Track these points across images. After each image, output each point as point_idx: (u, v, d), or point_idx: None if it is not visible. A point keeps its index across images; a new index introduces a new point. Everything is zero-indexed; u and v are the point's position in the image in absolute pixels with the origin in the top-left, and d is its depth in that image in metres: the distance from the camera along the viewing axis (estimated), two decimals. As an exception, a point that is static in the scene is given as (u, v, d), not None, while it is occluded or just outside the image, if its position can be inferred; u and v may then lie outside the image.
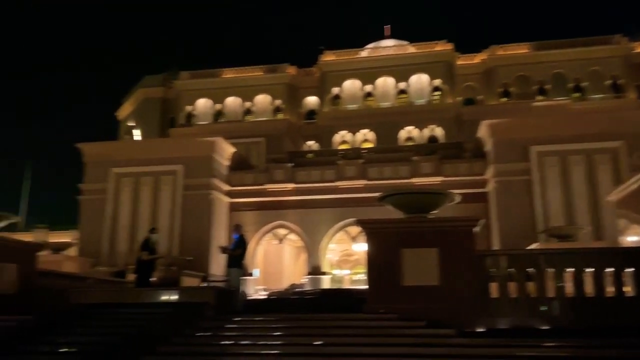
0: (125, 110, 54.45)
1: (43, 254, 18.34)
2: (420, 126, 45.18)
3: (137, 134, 50.94)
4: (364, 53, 48.75)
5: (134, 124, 52.09)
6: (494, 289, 11.54)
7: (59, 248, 23.64)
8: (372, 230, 12.09)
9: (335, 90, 47.38)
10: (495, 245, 27.17)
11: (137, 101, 52.25)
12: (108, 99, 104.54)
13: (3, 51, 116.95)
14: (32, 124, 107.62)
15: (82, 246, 30.05)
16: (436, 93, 46.46)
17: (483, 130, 29.61)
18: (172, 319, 10.94)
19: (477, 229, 11.81)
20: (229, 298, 13.33)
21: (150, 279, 15.12)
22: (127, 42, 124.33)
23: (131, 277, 21.89)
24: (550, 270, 11.27)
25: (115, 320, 11.10)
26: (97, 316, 11.41)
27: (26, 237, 35.45)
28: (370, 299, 11.81)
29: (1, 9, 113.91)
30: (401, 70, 46.47)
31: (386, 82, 46.95)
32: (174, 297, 12.72)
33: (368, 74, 46.89)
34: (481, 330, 10.86)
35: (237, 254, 15.35)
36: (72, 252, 28.06)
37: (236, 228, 16.15)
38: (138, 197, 31.14)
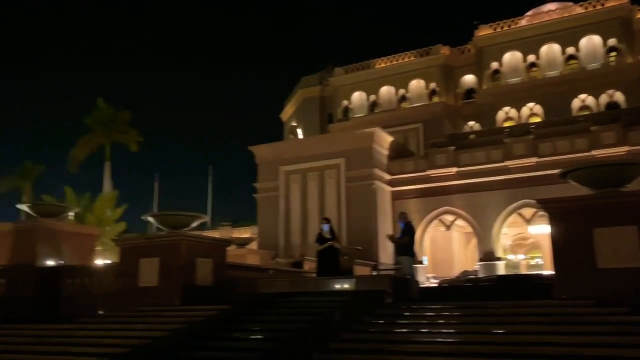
0: (287, 111, 57.62)
1: (230, 249, 20.09)
2: (595, 93, 40.77)
3: (299, 133, 53.59)
4: (523, 22, 45.30)
5: (296, 124, 54.86)
6: None
7: (242, 243, 25.73)
8: (557, 210, 11.10)
9: (494, 65, 44.76)
10: None
11: (298, 102, 54.89)
12: (273, 102, 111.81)
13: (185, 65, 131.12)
14: (210, 131, 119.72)
15: (261, 240, 32.49)
16: (612, 54, 41.43)
17: (677, 89, 25.70)
18: (352, 306, 11.22)
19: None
20: (404, 286, 13.30)
21: (336, 268, 15.41)
22: (284, 47, 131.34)
23: (307, 266, 23.12)
24: None
25: (299, 307, 11.71)
26: (283, 304, 12.14)
27: (213, 234, 39.50)
28: (558, 284, 10.90)
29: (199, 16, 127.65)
30: (568, 34, 42.26)
31: (551, 50, 43.10)
32: (351, 285, 13.04)
33: (530, 44, 43.47)
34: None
35: (404, 241, 15.28)
36: (253, 246, 30.42)
37: (401, 216, 16.07)
38: (306, 192, 32.75)
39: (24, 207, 19.30)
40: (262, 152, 34.99)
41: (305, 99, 53.94)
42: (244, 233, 39.67)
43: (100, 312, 14.64)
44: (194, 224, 15.94)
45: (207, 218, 18.12)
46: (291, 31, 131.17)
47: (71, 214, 21.15)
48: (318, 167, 32.59)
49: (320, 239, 15.95)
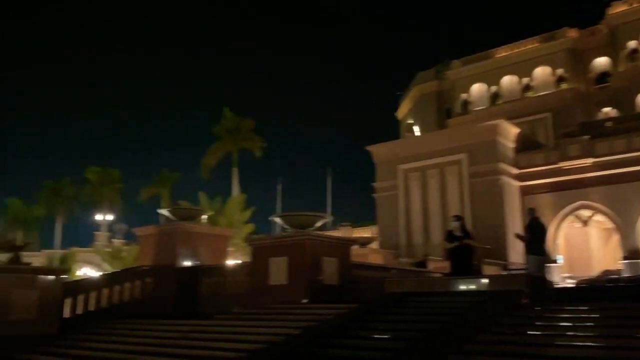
0: (403, 109, 56.94)
1: (353, 248, 20.17)
2: None
3: (416, 130, 52.66)
4: (666, -8, 40.67)
5: (413, 121, 54.00)
6: None
7: (364, 242, 25.78)
8: None
9: (631, 44, 40.64)
10: None
11: (414, 99, 54.01)
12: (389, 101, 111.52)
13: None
14: (328, 134, 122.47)
15: (382, 240, 32.36)
16: None
17: None
18: (487, 306, 10.68)
19: None
20: (541, 286, 12.43)
21: (469, 268, 14.81)
22: (398, 44, 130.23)
23: (432, 266, 22.56)
24: None
25: (430, 307, 11.39)
26: (412, 304, 11.89)
27: (333, 234, 40.05)
28: None
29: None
30: None
31: None
32: (483, 285, 12.45)
33: (676, 16, 38.94)
34: None
35: (526, 239, 14.41)
36: (374, 245, 30.35)
37: (529, 212, 15.24)
38: (426, 190, 32.06)
39: (164, 211, 20.85)
40: (379, 151, 34.89)
41: (421, 95, 52.94)
42: (364, 233, 39.75)
43: (235, 310, 15.34)
44: (318, 224, 16.22)
45: (330, 218, 18.37)
46: (405, 29, 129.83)
47: (205, 217, 22.51)
48: (438, 164, 31.79)
49: (450, 237, 15.42)
